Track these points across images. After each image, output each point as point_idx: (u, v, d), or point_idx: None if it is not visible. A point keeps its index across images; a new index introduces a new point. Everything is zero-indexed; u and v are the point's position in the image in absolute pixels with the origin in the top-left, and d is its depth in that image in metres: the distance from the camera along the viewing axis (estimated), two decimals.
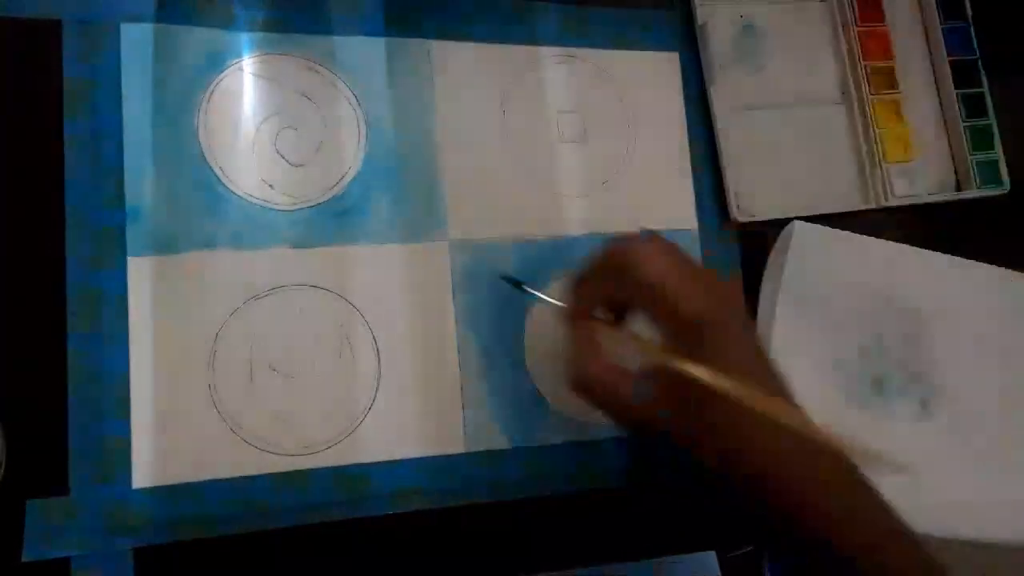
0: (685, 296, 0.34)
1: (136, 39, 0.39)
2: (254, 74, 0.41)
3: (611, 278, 0.36)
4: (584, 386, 0.36)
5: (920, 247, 0.50)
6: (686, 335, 0.34)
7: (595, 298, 0.37)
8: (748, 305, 0.36)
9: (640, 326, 0.37)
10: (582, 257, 0.37)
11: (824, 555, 0.35)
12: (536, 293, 0.40)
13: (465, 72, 0.45)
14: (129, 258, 0.38)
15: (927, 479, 0.46)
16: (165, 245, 0.38)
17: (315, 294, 0.40)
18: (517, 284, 0.41)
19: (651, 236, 0.36)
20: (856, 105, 0.51)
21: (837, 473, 0.35)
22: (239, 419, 0.38)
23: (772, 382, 0.35)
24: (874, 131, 0.50)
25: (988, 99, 0.53)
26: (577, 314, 0.37)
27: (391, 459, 0.40)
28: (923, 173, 0.51)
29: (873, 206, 0.49)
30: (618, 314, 0.38)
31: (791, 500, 0.34)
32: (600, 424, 0.42)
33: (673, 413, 0.35)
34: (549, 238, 0.44)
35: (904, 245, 0.49)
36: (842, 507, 0.34)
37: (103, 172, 0.38)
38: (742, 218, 0.47)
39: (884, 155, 0.50)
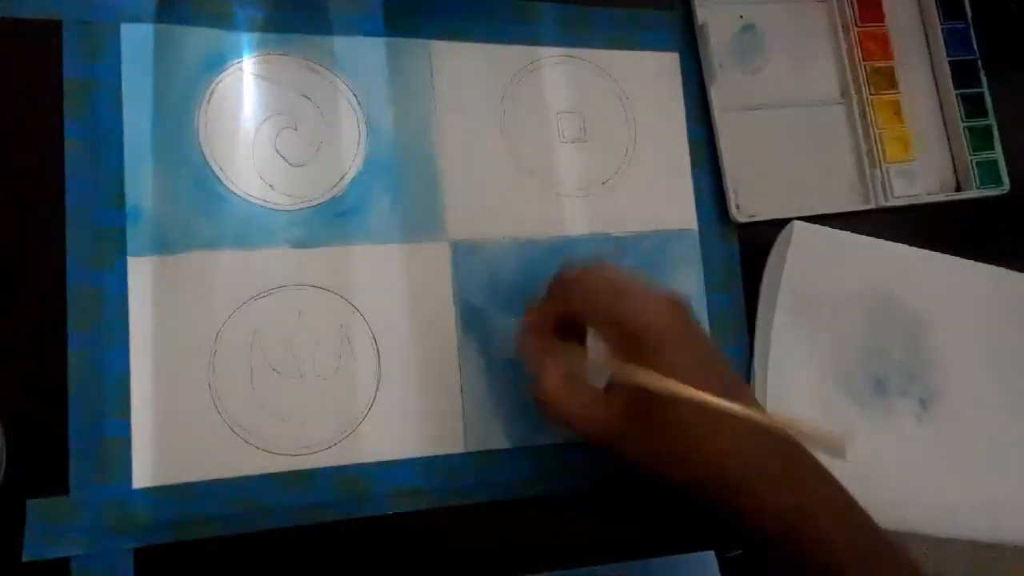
0: (623, 307, 0.36)
1: (136, 39, 0.39)
2: (254, 74, 0.41)
3: (558, 298, 0.38)
4: (538, 402, 0.37)
5: (920, 247, 0.50)
6: (629, 345, 0.36)
7: (546, 318, 0.38)
8: (694, 316, 0.38)
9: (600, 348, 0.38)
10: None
11: (782, 550, 0.36)
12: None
13: (465, 72, 0.45)
14: (129, 258, 0.38)
15: (927, 479, 0.47)
16: (165, 245, 0.38)
17: (315, 294, 0.40)
18: None
19: (597, 260, 0.39)
20: (856, 105, 0.51)
21: (792, 464, 0.36)
22: (239, 419, 0.38)
23: (723, 382, 0.36)
24: (874, 131, 0.50)
25: (988, 99, 0.52)
26: (529, 333, 0.39)
27: (391, 459, 0.40)
28: (923, 173, 0.51)
29: (873, 206, 0.49)
30: (579, 339, 0.39)
31: (745, 498, 0.35)
32: None
33: (625, 422, 0.36)
34: (549, 238, 0.44)
35: (904, 245, 0.49)
36: (798, 499, 0.35)
37: (103, 172, 0.38)
38: (742, 218, 0.47)
39: (884, 155, 0.50)
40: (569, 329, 0.39)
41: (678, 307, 0.37)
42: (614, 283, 0.37)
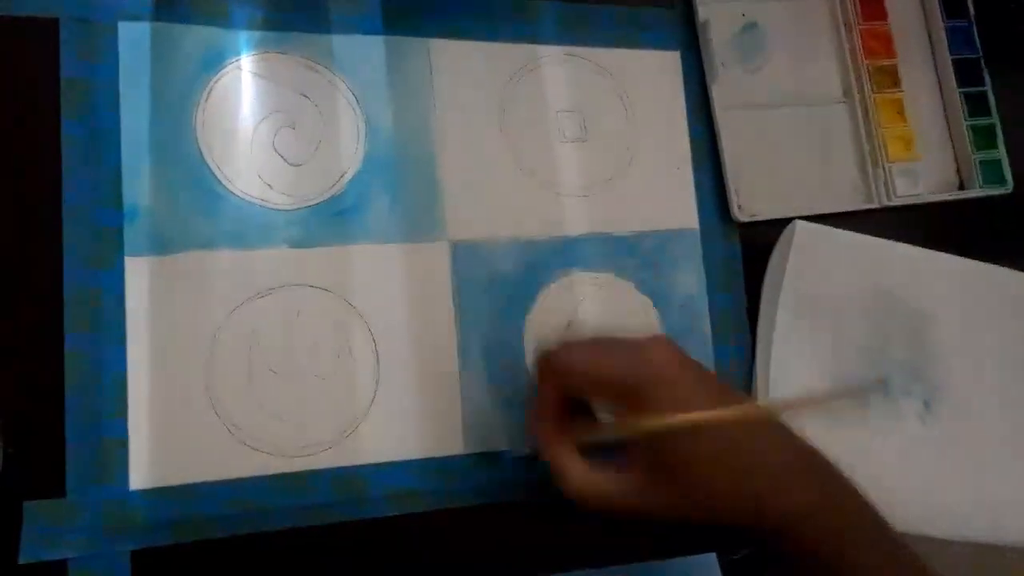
0: (609, 368, 0.36)
1: (134, 38, 0.39)
2: (252, 73, 0.41)
3: (551, 384, 0.38)
4: (576, 502, 0.37)
5: (923, 247, 0.49)
6: (629, 402, 0.36)
7: (550, 410, 0.38)
8: (679, 347, 0.37)
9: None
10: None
11: (781, 551, 0.36)
12: (521, 452, 0.41)
13: (465, 71, 0.44)
14: (127, 258, 0.38)
15: (929, 479, 0.46)
16: (163, 245, 0.38)
17: (314, 294, 0.40)
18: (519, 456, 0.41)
19: (570, 338, 0.39)
20: (858, 104, 0.50)
21: (804, 469, 0.36)
22: (237, 420, 0.38)
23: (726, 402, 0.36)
24: (876, 130, 0.50)
25: (991, 98, 0.52)
26: (546, 438, 0.38)
27: (390, 460, 0.40)
28: (926, 172, 0.51)
29: (875, 206, 0.49)
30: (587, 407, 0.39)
31: (752, 505, 0.35)
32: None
33: (647, 481, 0.36)
34: (549, 238, 0.44)
35: (906, 245, 0.49)
36: (799, 500, 0.35)
37: (101, 171, 0.38)
38: (743, 217, 0.47)
39: (886, 154, 0.50)
40: (575, 401, 0.38)
41: (662, 349, 0.37)
42: (587, 349, 0.37)
